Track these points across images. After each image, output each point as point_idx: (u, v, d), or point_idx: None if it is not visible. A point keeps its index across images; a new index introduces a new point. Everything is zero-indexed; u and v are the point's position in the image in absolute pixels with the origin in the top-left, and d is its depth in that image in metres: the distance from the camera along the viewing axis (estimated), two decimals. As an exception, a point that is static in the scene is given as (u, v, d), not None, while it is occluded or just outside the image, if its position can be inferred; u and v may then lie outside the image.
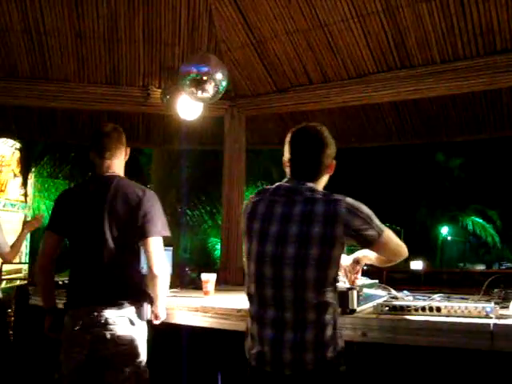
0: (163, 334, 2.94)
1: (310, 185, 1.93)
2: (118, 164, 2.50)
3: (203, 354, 2.90)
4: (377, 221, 1.92)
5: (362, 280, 2.42)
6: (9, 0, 3.88)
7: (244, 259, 2.03)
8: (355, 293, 2.20)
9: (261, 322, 1.89)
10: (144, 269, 2.45)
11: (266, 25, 4.01)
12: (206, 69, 3.68)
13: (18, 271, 10.55)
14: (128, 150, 2.58)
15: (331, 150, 2.02)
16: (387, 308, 2.19)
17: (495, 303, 2.17)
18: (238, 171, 4.57)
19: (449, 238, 28.51)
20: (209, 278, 3.10)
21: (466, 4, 3.38)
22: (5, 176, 12.07)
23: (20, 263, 9.69)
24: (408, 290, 2.69)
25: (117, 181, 2.41)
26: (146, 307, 2.40)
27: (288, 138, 2.06)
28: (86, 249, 2.36)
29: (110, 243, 2.31)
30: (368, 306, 2.33)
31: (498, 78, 3.54)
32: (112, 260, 2.31)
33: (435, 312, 2.11)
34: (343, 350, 1.88)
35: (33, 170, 12.34)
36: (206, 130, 5.34)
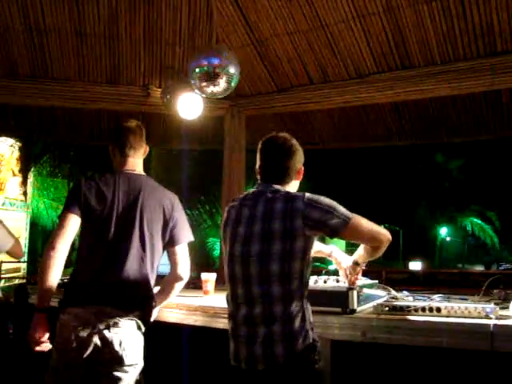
0: (163, 334, 2.94)
1: (276, 187, 2.05)
2: (140, 162, 2.46)
3: (203, 354, 2.90)
4: (341, 209, 1.96)
5: (361, 280, 2.42)
6: (9, -2, 3.88)
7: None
8: (355, 293, 2.21)
9: (235, 320, 1.98)
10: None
11: (267, 25, 4.01)
12: (218, 61, 3.55)
13: (17, 270, 10.56)
14: (147, 147, 2.51)
15: (297, 156, 2.13)
16: (387, 308, 2.19)
17: (495, 304, 2.18)
18: (238, 171, 4.57)
19: (448, 238, 28.55)
20: (208, 278, 3.09)
21: (467, 5, 3.38)
22: (4, 175, 12.07)
23: (19, 262, 9.69)
24: (407, 291, 2.69)
25: (146, 181, 2.38)
26: (154, 312, 2.37)
27: (259, 147, 2.17)
28: (109, 245, 2.21)
29: (137, 244, 2.24)
30: (368, 306, 2.33)
31: (498, 78, 3.54)
32: (135, 261, 2.22)
33: (435, 312, 2.11)
34: (315, 343, 1.92)
35: (32, 168, 12.34)
36: (206, 130, 5.34)
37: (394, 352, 2.19)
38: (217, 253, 14.29)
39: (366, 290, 2.35)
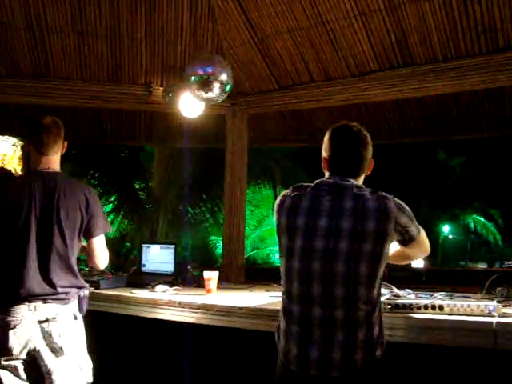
0: (165, 332, 2.94)
1: (354, 182, 1.93)
2: (56, 159, 2.50)
3: (205, 352, 2.90)
4: (415, 220, 1.96)
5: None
6: (11, -3, 3.88)
7: (279, 256, 1.97)
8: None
9: (306, 322, 1.83)
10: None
11: (268, 22, 4.00)
12: (211, 69, 3.71)
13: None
14: (65, 143, 2.57)
15: (370, 149, 2.05)
16: (390, 306, 2.19)
17: (498, 302, 2.18)
18: (240, 169, 4.57)
19: (450, 236, 28.48)
20: (211, 276, 3.10)
21: (469, 2, 3.37)
22: (6, 174, 12.06)
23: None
24: (410, 289, 2.68)
25: (61, 179, 2.44)
26: (86, 300, 2.45)
27: (328, 136, 2.04)
28: (29, 243, 2.30)
29: (59, 241, 2.34)
30: (370, 304, 2.33)
31: (501, 76, 3.53)
32: (58, 256, 2.33)
33: (438, 310, 2.11)
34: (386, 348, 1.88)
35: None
36: (207, 128, 5.33)
37: (396, 350, 2.19)
38: (219, 251, 14.28)
39: (368, 288, 2.34)
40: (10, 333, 2.21)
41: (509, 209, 23.90)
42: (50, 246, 2.32)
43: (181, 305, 2.73)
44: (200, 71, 3.72)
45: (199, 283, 3.38)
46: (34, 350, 2.24)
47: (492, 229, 25.55)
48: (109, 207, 11.50)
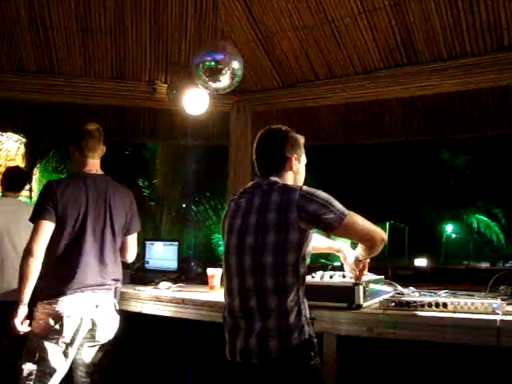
0: (169, 329, 2.95)
1: (273, 179, 2.04)
2: (98, 162, 2.72)
3: (209, 348, 2.90)
4: (338, 204, 1.94)
5: (368, 276, 2.42)
6: (16, -6, 3.88)
7: None
8: (361, 288, 2.20)
9: (231, 313, 1.97)
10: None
11: (273, 20, 4.00)
12: (221, 56, 3.56)
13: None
14: (105, 148, 2.76)
15: (290, 143, 2.12)
16: (393, 303, 2.19)
17: (501, 300, 2.17)
18: (244, 167, 4.56)
19: (453, 235, 28.42)
20: (214, 273, 3.10)
21: (474, 0, 3.36)
22: (10, 171, 12.07)
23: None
24: (413, 287, 2.68)
25: (109, 181, 2.68)
26: (120, 293, 2.68)
27: (255, 140, 2.18)
28: (85, 238, 2.52)
29: (110, 238, 2.60)
30: (374, 302, 2.33)
31: (506, 74, 3.52)
32: (110, 250, 2.59)
33: (441, 308, 2.11)
34: (312, 338, 1.89)
35: (38, 164, 12.35)
36: (211, 126, 5.34)
37: (400, 347, 2.19)
38: (221, 249, 14.32)
39: (372, 286, 2.35)
40: (65, 321, 2.40)
41: (512, 208, 23.83)
42: (104, 242, 2.56)
43: (184, 301, 2.73)
44: (209, 58, 3.58)
45: (202, 280, 3.38)
46: (85, 334, 2.48)
47: (495, 228, 25.51)
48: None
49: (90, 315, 2.47)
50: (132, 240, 2.76)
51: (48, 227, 2.47)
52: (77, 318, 2.42)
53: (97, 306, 2.49)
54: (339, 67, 4.10)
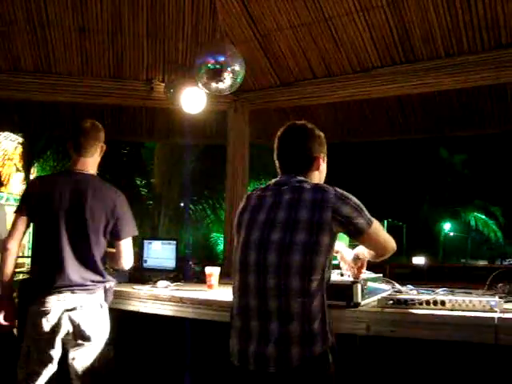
0: (167, 327, 2.95)
1: (300, 178, 1.95)
2: (92, 161, 2.66)
3: (207, 347, 2.90)
4: (366, 211, 1.91)
5: (366, 274, 2.42)
6: (12, -7, 3.87)
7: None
8: (359, 286, 2.20)
9: (245, 314, 1.83)
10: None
11: (270, 18, 3.99)
12: (222, 58, 3.54)
13: (21, 265, 10.58)
14: (104, 147, 2.72)
15: (317, 142, 2.06)
16: (391, 301, 2.19)
17: (499, 297, 2.17)
18: (242, 165, 4.56)
19: (451, 233, 28.49)
20: (212, 272, 3.10)
21: (471, -2, 3.36)
22: (7, 170, 12.09)
23: (23, 257, 9.71)
24: (411, 285, 2.68)
25: (93, 181, 2.60)
26: (111, 292, 2.61)
27: (277, 136, 2.09)
28: (58, 240, 2.46)
29: (84, 237, 2.49)
30: (372, 300, 2.33)
31: (504, 72, 3.52)
32: (84, 253, 2.49)
33: (439, 306, 2.11)
34: (334, 345, 1.81)
35: (35, 164, 12.36)
36: (209, 124, 5.33)
37: (398, 345, 2.20)
38: (220, 248, 14.31)
39: (370, 284, 2.35)
40: (43, 320, 2.38)
41: (510, 206, 23.90)
42: (80, 242, 2.48)
43: (182, 300, 2.73)
44: (211, 60, 3.55)
45: (200, 279, 3.39)
46: (65, 335, 2.42)
47: (493, 226, 25.60)
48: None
49: (68, 316, 2.42)
50: (125, 246, 2.62)
51: (20, 221, 2.53)
52: (53, 318, 2.39)
53: (76, 308, 2.43)
54: (337, 65, 4.10)
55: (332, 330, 1.83)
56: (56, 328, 2.40)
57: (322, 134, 2.10)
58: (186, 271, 3.64)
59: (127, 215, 2.64)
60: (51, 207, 2.49)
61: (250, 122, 4.60)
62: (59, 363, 2.42)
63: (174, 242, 3.80)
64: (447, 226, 27.92)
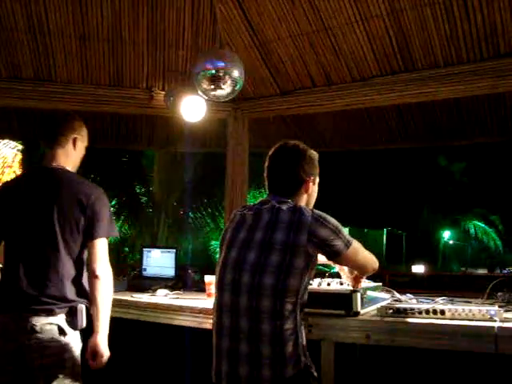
0: (167, 336, 2.94)
1: (282, 199, 1.94)
2: (62, 154, 2.30)
3: (207, 356, 2.89)
4: (344, 232, 1.91)
5: (365, 283, 2.42)
6: (13, 0, 3.88)
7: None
8: (359, 295, 2.20)
9: (219, 332, 1.85)
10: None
11: (270, 27, 4.01)
12: (222, 64, 3.53)
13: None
14: (80, 140, 2.35)
15: (308, 164, 2.03)
16: (391, 310, 2.19)
17: (499, 306, 2.17)
18: (241, 174, 4.56)
19: (450, 242, 28.46)
20: (212, 280, 3.09)
21: (470, 7, 3.37)
22: (7, 178, 12.08)
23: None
24: (411, 294, 2.68)
25: (63, 175, 2.24)
26: (81, 315, 2.16)
27: (268, 155, 2.08)
28: (25, 249, 2.15)
29: (52, 242, 2.12)
30: (372, 309, 2.33)
31: (502, 81, 3.53)
32: (53, 262, 2.11)
33: (439, 315, 2.11)
34: (310, 369, 1.81)
35: (35, 171, 12.36)
36: (209, 133, 5.34)
37: (398, 354, 2.19)
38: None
39: (369, 293, 2.35)
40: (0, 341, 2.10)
41: (509, 214, 23.91)
42: (41, 251, 2.12)
43: (182, 309, 2.72)
44: (210, 66, 3.53)
45: (200, 287, 3.38)
46: (20, 360, 2.06)
47: (492, 234, 25.58)
48: (109, 211, 11.52)
49: (24, 339, 2.04)
50: (97, 247, 2.16)
51: None
52: (9, 340, 2.06)
53: (32, 331, 2.04)
54: (336, 74, 4.11)
55: (305, 354, 1.82)
56: (12, 352, 2.06)
57: (314, 156, 2.08)
58: (185, 280, 3.64)
59: (103, 213, 2.20)
60: (14, 214, 2.19)
61: (250, 130, 4.61)
62: None
63: (174, 250, 3.80)
64: (446, 234, 27.89)
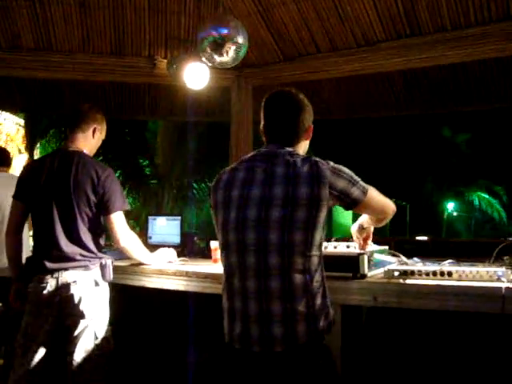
0: (172, 301, 2.95)
1: (289, 149, 1.87)
2: (82, 138, 2.65)
3: (211, 321, 2.91)
4: (359, 180, 1.88)
5: (372, 246, 2.41)
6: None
7: (217, 232, 1.91)
8: (366, 258, 2.18)
9: (242, 295, 1.78)
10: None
11: (273, -8, 3.94)
12: (225, 31, 3.51)
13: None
14: (100, 129, 2.71)
15: (308, 113, 1.98)
16: (398, 273, 2.18)
17: (506, 268, 2.16)
18: (245, 143, 4.54)
19: (455, 213, 28.46)
20: (217, 246, 3.09)
21: (479, -32, 3.30)
22: (10, 152, 12.04)
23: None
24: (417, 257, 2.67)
25: (79, 156, 2.56)
26: (109, 269, 2.56)
27: (262, 104, 1.99)
28: (52, 218, 2.49)
29: (72, 213, 2.48)
30: (379, 271, 2.32)
31: (511, 44, 3.46)
32: (73, 230, 2.48)
33: (446, 276, 2.10)
34: (333, 319, 1.82)
35: (38, 144, 12.33)
36: (212, 101, 5.30)
37: (405, 316, 2.19)
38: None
39: (376, 256, 2.33)
40: (39, 297, 2.44)
41: (514, 186, 23.82)
42: (67, 222, 2.48)
43: (188, 274, 2.72)
44: (214, 33, 3.51)
45: (205, 254, 3.38)
46: (60, 311, 2.43)
47: (497, 206, 25.52)
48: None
49: (63, 292, 2.43)
50: (115, 220, 2.55)
51: (15, 206, 2.63)
52: (49, 295, 2.44)
53: (70, 284, 2.43)
54: (341, 39, 4.05)
55: (331, 305, 1.83)
56: (52, 305, 2.43)
57: (309, 103, 2.02)
58: (190, 247, 3.64)
59: (115, 189, 2.57)
60: (40, 189, 2.53)
61: (253, 98, 4.55)
62: (57, 363, 2.45)
63: (179, 217, 3.80)
64: (451, 206, 27.86)
